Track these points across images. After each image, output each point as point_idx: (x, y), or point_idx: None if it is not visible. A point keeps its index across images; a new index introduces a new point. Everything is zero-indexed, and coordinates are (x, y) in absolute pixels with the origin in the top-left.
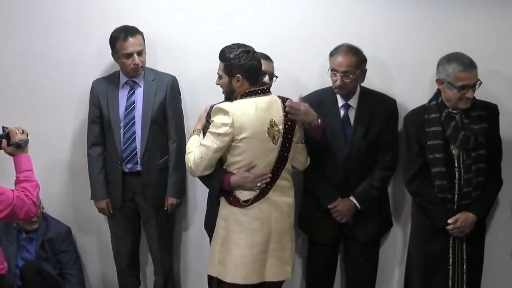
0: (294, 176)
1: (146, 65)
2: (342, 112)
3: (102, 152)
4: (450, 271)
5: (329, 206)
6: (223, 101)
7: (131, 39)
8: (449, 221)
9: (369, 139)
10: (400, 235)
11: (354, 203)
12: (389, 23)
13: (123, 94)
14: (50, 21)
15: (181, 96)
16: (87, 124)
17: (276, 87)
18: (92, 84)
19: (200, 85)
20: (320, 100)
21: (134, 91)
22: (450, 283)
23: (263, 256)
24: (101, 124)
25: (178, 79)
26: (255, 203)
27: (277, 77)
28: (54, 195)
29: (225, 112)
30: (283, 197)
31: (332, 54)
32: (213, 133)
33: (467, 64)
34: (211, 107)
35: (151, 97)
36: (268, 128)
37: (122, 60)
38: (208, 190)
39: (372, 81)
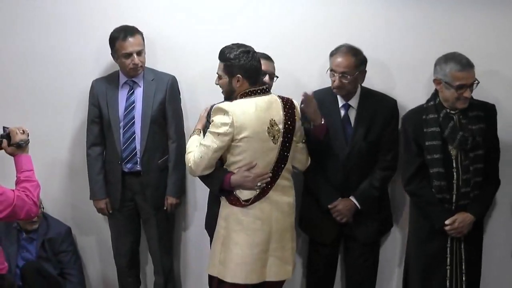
0: (294, 176)
1: (145, 65)
2: (342, 112)
3: (101, 152)
4: (448, 271)
5: (329, 206)
6: (223, 101)
7: (130, 39)
8: (447, 221)
9: (370, 139)
10: (400, 235)
11: (354, 203)
12: (389, 23)
13: (122, 94)
14: (50, 21)
15: (181, 96)
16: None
17: (277, 87)
18: (92, 84)
19: (200, 85)
20: (321, 100)
21: (133, 91)
22: (448, 283)
23: (264, 256)
24: (100, 124)
25: (178, 79)
26: (255, 203)
27: (277, 77)
28: (54, 195)
29: (225, 112)
30: (283, 197)
31: (332, 54)
32: (213, 133)
33: (465, 63)
34: (211, 107)
35: (151, 97)
36: (268, 128)
37: (121, 60)
38: (208, 190)
39: (372, 81)
